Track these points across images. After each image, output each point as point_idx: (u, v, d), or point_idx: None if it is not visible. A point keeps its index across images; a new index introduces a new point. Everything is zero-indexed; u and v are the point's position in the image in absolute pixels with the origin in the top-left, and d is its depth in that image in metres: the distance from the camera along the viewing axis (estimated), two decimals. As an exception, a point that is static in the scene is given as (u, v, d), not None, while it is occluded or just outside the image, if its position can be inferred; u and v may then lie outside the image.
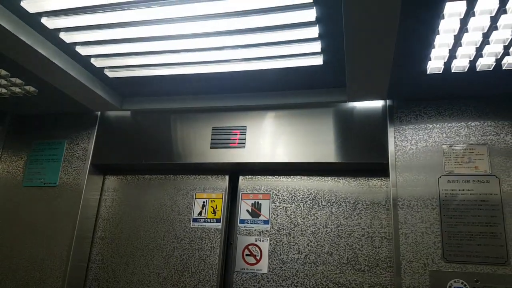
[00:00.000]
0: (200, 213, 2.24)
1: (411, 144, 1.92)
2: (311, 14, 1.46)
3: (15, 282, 2.21)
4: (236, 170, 2.28)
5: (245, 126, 2.19)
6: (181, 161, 2.21)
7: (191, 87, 2.15)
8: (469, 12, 1.35)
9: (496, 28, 1.43)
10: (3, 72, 1.96)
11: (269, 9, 1.47)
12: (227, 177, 2.28)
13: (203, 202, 2.26)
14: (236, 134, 2.19)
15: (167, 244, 2.22)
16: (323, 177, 2.15)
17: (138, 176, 2.41)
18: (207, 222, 2.21)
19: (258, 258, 2.09)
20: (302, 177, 2.18)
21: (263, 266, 2.07)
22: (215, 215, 2.21)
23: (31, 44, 1.67)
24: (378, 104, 2.04)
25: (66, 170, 2.37)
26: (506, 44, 1.50)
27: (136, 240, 2.28)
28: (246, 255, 2.11)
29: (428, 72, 1.71)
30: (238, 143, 2.17)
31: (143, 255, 2.24)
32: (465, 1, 1.30)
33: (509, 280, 1.65)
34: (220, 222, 2.19)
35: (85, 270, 2.29)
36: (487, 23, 1.40)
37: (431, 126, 1.93)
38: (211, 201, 2.25)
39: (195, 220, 2.23)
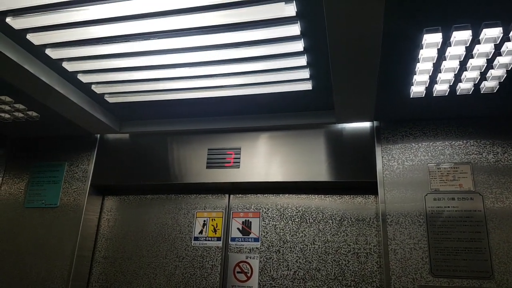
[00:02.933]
0: (201, 232, 2.30)
1: (398, 163, 2.01)
2: (299, 45, 1.56)
3: (16, 302, 2.26)
4: (230, 189, 2.36)
5: (239, 147, 2.28)
6: (177, 181, 2.29)
7: (187, 110, 2.24)
8: (446, 42, 1.46)
9: (471, 56, 1.53)
10: (7, 99, 2.05)
11: (260, 41, 1.57)
12: (226, 196, 2.36)
13: (204, 220, 2.33)
14: (231, 155, 2.28)
15: (169, 263, 2.28)
16: (310, 195, 2.23)
17: (140, 196, 2.49)
18: (208, 240, 2.27)
19: (248, 275, 2.15)
20: (291, 195, 2.26)
21: (253, 283, 2.13)
22: (215, 233, 2.28)
23: (35, 73, 1.76)
24: (366, 125, 2.13)
25: (66, 191, 2.43)
26: (482, 70, 1.60)
27: (139, 259, 2.33)
28: (237, 272, 2.17)
29: (411, 96, 1.81)
30: (233, 163, 2.25)
31: (145, 274, 2.29)
32: (440, 33, 1.41)
33: (494, 293, 1.72)
34: (220, 240, 2.25)
35: (84, 290, 2.34)
36: (462, 51, 1.50)
37: (416, 146, 2.02)
38: (212, 219, 2.32)
39: (196, 238, 2.29)
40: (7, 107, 2.14)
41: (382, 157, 2.04)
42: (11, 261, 2.35)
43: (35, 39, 1.62)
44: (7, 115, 2.25)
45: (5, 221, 2.46)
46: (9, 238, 2.41)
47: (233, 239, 2.25)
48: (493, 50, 1.48)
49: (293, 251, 2.15)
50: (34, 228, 2.39)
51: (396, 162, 2.02)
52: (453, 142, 1.99)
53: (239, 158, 2.25)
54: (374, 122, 2.11)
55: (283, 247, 2.17)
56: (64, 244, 2.30)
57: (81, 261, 2.32)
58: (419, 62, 1.58)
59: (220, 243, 2.25)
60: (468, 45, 1.46)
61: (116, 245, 2.40)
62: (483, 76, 1.65)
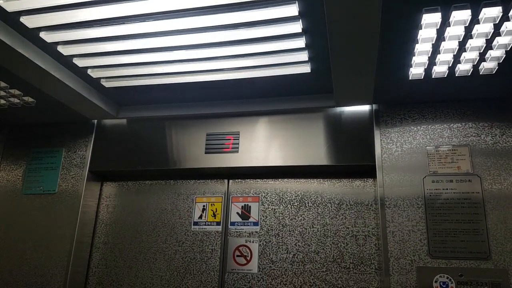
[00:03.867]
0: (200, 217, 2.31)
1: (397, 146, 2.01)
2: (297, 27, 1.54)
3: (17, 287, 2.27)
4: (228, 174, 2.36)
5: (238, 132, 2.27)
6: (176, 166, 2.29)
7: (185, 95, 2.22)
8: (445, 22, 1.44)
9: (471, 37, 1.52)
10: (3, 84, 2.03)
11: (258, 22, 1.55)
12: (226, 181, 2.36)
13: (203, 205, 2.33)
14: (230, 140, 2.27)
15: (169, 248, 2.29)
16: (309, 179, 2.24)
17: (138, 182, 2.49)
18: (208, 225, 2.28)
19: (248, 258, 2.17)
20: (290, 179, 2.27)
21: (253, 266, 2.15)
22: (215, 218, 2.29)
23: (30, 57, 1.74)
24: (364, 108, 2.13)
25: (64, 177, 2.43)
26: (481, 51, 1.59)
27: (139, 244, 2.34)
28: (237, 256, 2.19)
29: (410, 78, 1.80)
30: (231, 148, 2.25)
31: (145, 259, 2.30)
32: (439, 13, 1.39)
33: (492, 273, 1.74)
34: (220, 225, 2.27)
35: (85, 275, 2.35)
36: (462, 32, 1.49)
37: (415, 128, 2.02)
38: (211, 204, 2.33)
39: (195, 223, 2.30)
40: (2, 93, 2.12)
41: (381, 140, 2.04)
42: (10, 248, 2.36)
43: (29, 21, 1.59)
44: (2, 101, 2.23)
45: (3, 208, 2.46)
46: (8, 225, 2.41)
47: (233, 224, 2.26)
48: (493, 30, 1.47)
49: (292, 234, 2.16)
50: (33, 214, 2.39)
51: (394, 145, 2.01)
52: (452, 125, 1.98)
53: (238, 143, 2.25)
54: (373, 105, 2.11)
55: (282, 231, 2.18)
56: (63, 230, 2.31)
57: (80, 247, 2.33)
58: (418, 43, 1.57)
59: (219, 228, 2.26)
60: (467, 25, 1.44)
61: (116, 231, 2.41)
62: (482, 57, 1.64)
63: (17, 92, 2.11)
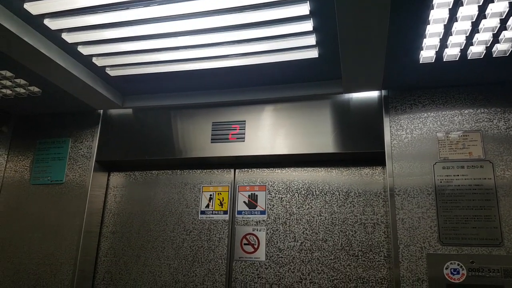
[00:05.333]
0: (207, 206, 2.30)
1: (407, 133, 1.97)
2: (304, 8, 1.51)
3: (27, 276, 2.28)
4: (235, 163, 2.34)
5: (244, 120, 2.25)
6: (182, 156, 2.27)
7: (190, 83, 2.20)
8: (457, 1, 1.40)
9: (484, 17, 1.47)
10: (8, 74, 2.02)
11: (263, 5, 1.52)
12: (232, 170, 2.34)
13: (210, 195, 2.32)
14: (236, 129, 2.25)
15: (176, 236, 2.29)
16: (316, 168, 2.21)
17: (145, 172, 2.48)
18: (215, 214, 2.28)
19: (256, 247, 2.16)
20: (297, 168, 2.24)
21: (260, 254, 2.14)
22: (222, 207, 2.28)
23: (34, 45, 1.72)
24: (373, 94, 2.09)
25: (71, 167, 2.43)
26: (495, 32, 1.55)
27: (147, 234, 2.34)
28: (244, 244, 2.18)
29: (421, 62, 1.76)
30: (237, 137, 2.22)
31: (154, 248, 2.31)
32: (452, -8, 1.35)
33: (504, 260, 1.71)
34: (227, 214, 2.26)
35: (94, 263, 2.36)
36: (475, 12, 1.44)
37: (425, 114, 1.98)
38: (218, 193, 2.32)
39: (203, 212, 2.30)
40: (8, 83, 2.11)
41: (390, 126, 2.00)
42: (20, 238, 2.37)
43: (33, 8, 1.58)
44: (8, 91, 2.22)
45: (12, 198, 2.47)
46: (17, 215, 2.42)
47: (240, 212, 2.25)
48: (507, 9, 1.42)
49: (300, 223, 2.14)
50: (41, 204, 2.40)
51: (404, 131, 1.98)
52: (463, 110, 1.94)
53: (244, 132, 2.22)
54: (382, 91, 2.07)
55: (289, 219, 2.16)
56: (72, 220, 2.31)
57: (89, 236, 2.33)
58: (429, 24, 1.52)
59: (226, 217, 2.25)
60: (481, 4, 1.40)
61: (124, 220, 2.41)
62: (495, 39, 1.59)
63: (22, 81, 2.10)
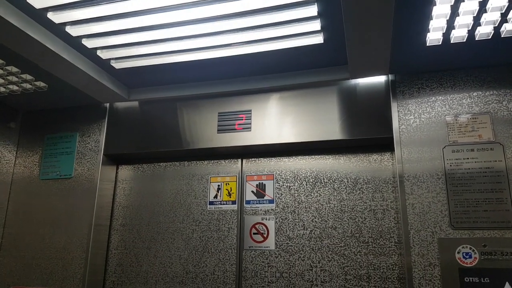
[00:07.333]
0: (215, 196, 2.31)
1: (415, 117, 1.95)
2: (309, -7, 1.49)
3: (40, 270, 2.31)
4: (242, 153, 2.34)
5: (250, 110, 2.24)
6: (189, 147, 2.27)
7: (195, 74, 2.19)
8: (465, -20, 1.37)
9: (492, -5, 1.45)
10: (14, 69, 2.02)
11: (267, -10, 1.50)
12: (239, 160, 2.34)
13: (218, 185, 2.33)
14: (242, 118, 2.24)
15: (186, 227, 2.30)
16: (324, 155, 2.20)
17: (153, 164, 2.49)
18: (223, 204, 2.28)
19: (265, 236, 2.16)
20: (304, 156, 2.23)
21: (270, 243, 2.14)
22: (230, 197, 2.29)
23: (39, 39, 1.72)
24: (380, 79, 2.06)
25: (80, 162, 2.44)
26: (503, 11, 1.52)
27: (156, 225, 2.36)
28: (254, 233, 2.19)
29: (427, 44, 1.73)
30: (244, 127, 2.22)
31: (164, 239, 2.32)
32: (459, -30, 1.32)
33: (516, 243, 1.70)
34: (235, 203, 2.26)
35: (105, 256, 2.38)
36: (483, -10, 1.42)
37: (433, 98, 1.96)
38: (226, 184, 2.32)
39: (211, 203, 2.30)
40: (14, 78, 2.12)
41: (398, 111, 1.98)
42: (31, 232, 2.40)
43: (36, 2, 1.57)
44: (15, 87, 2.23)
45: (23, 193, 2.50)
46: (28, 211, 2.45)
47: (248, 202, 2.25)
48: (516, -13, 1.39)
49: (309, 211, 2.14)
50: (51, 199, 2.42)
51: (412, 116, 1.96)
52: (472, 92, 1.91)
53: (250, 121, 2.22)
54: (389, 75, 2.04)
55: (298, 208, 2.16)
56: (82, 213, 2.33)
57: (99, 230, 2.35)
58: (435, 5, 1.50)
59: (235, 207, 2.26)
60: (489, -18, 1.37)
61: (133, 213, 2.42)
62: (504, 18, 1.56)
63: (29, 77, 2.11)
